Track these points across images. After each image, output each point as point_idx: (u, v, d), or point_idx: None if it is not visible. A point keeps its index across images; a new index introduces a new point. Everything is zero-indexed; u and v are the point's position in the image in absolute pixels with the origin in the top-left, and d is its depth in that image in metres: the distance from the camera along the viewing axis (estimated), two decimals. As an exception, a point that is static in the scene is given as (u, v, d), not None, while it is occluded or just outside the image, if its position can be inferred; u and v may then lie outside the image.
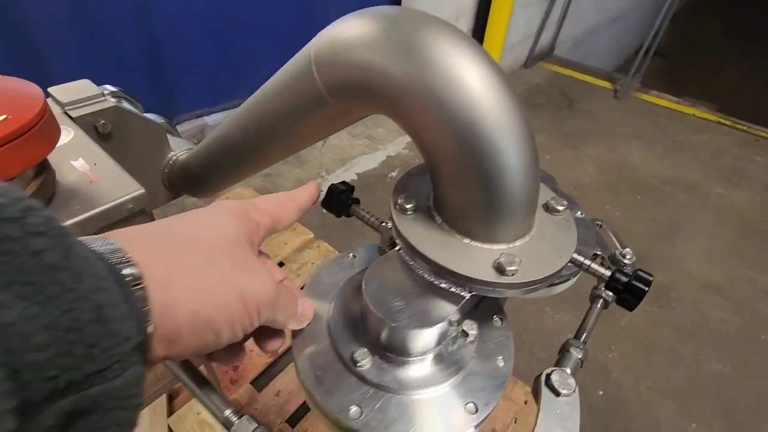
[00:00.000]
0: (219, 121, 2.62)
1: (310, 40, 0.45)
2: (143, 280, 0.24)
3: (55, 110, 0.71)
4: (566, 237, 0.40)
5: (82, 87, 0.74)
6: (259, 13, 2.38)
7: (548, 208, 0.42)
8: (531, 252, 0.37)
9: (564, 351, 0.44)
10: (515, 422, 1.16)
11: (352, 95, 0.40)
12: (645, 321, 1.82)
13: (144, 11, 2.01)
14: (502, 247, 0.38)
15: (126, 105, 1.06)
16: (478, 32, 2.66)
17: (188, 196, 0.93)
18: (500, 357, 0.39)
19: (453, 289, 0.36)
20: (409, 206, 0.40)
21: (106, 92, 1.02)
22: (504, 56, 3.21)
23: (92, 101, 0.72)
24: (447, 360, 0.38)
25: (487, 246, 0.38)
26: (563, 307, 1.85)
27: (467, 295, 0.36)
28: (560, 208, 0.42)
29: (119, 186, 0.58)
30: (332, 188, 0.49)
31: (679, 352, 1.73)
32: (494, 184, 0.35)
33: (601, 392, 1.57)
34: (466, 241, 0.38)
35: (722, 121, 3.24)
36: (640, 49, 3.29)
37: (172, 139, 0.91)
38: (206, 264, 0.28)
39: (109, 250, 0.24)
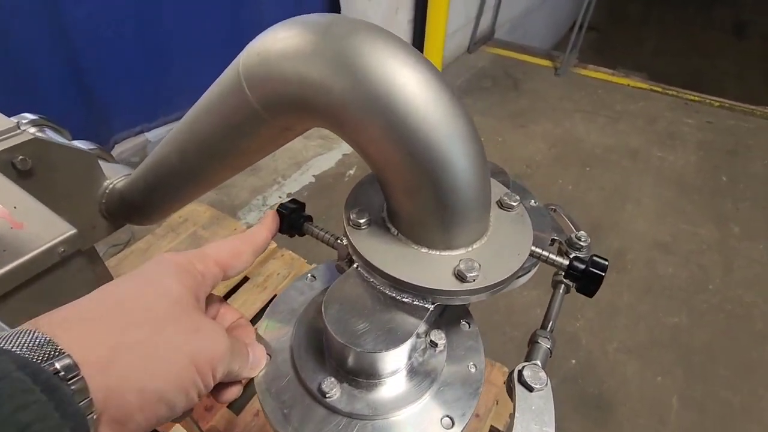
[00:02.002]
0: (161, 136, 2.49)
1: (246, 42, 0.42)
2: (80, 369, 0.22)
3: None
4: (522, 233, 0.40)
5: (5, 120, 0.67)
6: (187, 17, 2.26)
7: (502, 205, 0.42)
8: (490, 254, 0.37)
9: (533, 343, 0.44)
10: (497, 404, 1.18)
11: (288, 111, 0.38)
12: (605, 286, 1.91)
13: (58, 28, 1.86)
14: (461, 252, 0.37)
15: (49, 134, 0.97)
16: (419, 23, 2.67)
17: (132, 224, 0.87)
18: (471, 363, 0.38)
19: (416, 303, 0.35)
20: (362, 221, 0.39)
21: (24, 122, 0.94)
22: (447, 43, 3.24)
23: (5, 135, 0.65)
24: (419, 374, 0.37)
25: (445, 253, 0.37)
26: (529, 283, 1.91)
27: (431, 307, 0.35)
28: (513, 203, 0.42)
29: (47, 228, 0.52)
30: (281, 210, 0.46)
31: (638, 310, 1.83)
32: (446, 190, 0.34)
33: (573, 361, 1.64)
34: (424, 250, 0.37)
35: (654, 88, 3.44)
36: (573, 26, 3.42)
37: (105, 166, 0.84)
38: (151, 334, 0.26)
39: (36, 345, 0.22)
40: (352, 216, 0.39)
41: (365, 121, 0.33)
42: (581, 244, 0.54)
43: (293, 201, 0.48)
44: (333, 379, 0.34)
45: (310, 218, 0.48)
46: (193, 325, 0.29)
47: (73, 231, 0.53)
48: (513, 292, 1.87)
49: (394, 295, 0.36)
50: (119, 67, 2.14)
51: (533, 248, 0.42)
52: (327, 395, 0.34)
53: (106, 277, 0.65)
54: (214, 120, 0.46)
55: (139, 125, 2.43)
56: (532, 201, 0.58)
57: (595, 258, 0.41)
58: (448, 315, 0.42)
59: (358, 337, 0.33)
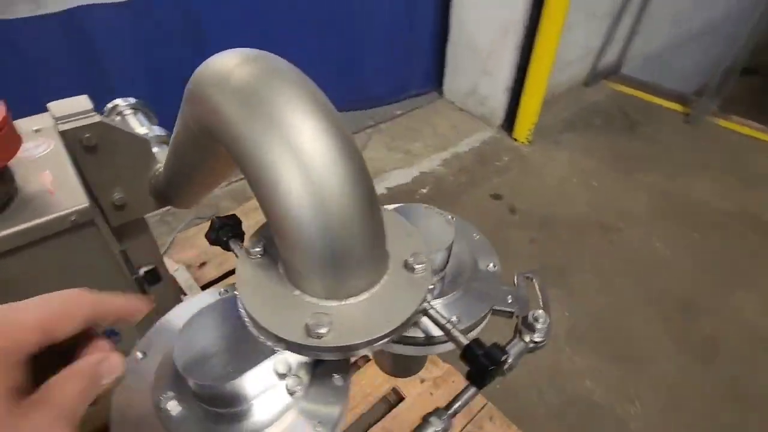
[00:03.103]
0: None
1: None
2: None
3: (48, 123, 0.80)
4: (408, 299, 0.36)
5: (77, 102, 0.82)
6: (284, 14, 2.46)
7: (407, 266, 0.39)
8: (356, 313, 0.35)
9: (424, 421, 0.40)
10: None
11: (208, 134, 0.40)
12: (667, 372, 1.62)
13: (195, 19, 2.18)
14: (331, 304, 0.36)
15: (139, 117, 1.14)
16: (527, 48, 2.56)
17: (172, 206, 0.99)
18: (318, 422, 0.36)
19: (268, 342, 0.35)
20: (256, 249, 0.40)
21: (123, 104, 1.12)
22: (558, 73, 3.04)
23: (81, 116, 0.79)
24: (260, 417, 0.36)
25: (314, 301, 0.36)
26: (583, 348, 1.70)
27: (281, 350, 0.35)
28: (418, 266, 0.39)
29: (69, 198, 0.63)
30: (213, 222, 0.49)
31: (719, 419, 1.51)
32: (315, 247, 0.33)
33: (612, 450, 1.41)
34: (297, 293, 0.36)
35: (819, 154, 2.80)
36: (725, 68, 2.95)
37: (163, 152, 0.97)
38: None
39: None
40: (249, 243, 0.40)
41: (252, 165, 0.34)
42: (537, 325, 0.48)
43: (230, 217, 0.51)
44: (172, 393, 0.35)
45: (240, 235, 0.50)
46: None
47: (85, 204, 0.62)
48: (562, 356, 1.69)
49: (251, 329, 0.36)
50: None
51: (434, 316, 0.39)
52: (164, 411, 0.35)
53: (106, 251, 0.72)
54: (178, 128, 0.50)
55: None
56: (491, 264, 0.52)
57: (493, 349, 0.36)
58: (326, 364, 0.40)
59: (195, 364, 0.34)
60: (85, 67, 1.92)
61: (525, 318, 0.48)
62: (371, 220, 0.36)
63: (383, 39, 2.77)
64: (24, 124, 0.77)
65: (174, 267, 1.46)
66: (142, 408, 0.35)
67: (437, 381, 1.41)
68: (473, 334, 0.44)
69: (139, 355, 0.39)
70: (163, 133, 1.06)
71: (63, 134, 0.76)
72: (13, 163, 0.64)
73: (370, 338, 0.33)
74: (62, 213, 0.60)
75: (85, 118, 0.80)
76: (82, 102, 0.82)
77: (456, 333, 0.38)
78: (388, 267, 0.39)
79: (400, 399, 1.35)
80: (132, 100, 1.16)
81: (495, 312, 0.51)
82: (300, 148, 0.33)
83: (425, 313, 0.39)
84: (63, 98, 0.81)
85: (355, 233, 0.35)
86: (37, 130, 0.75)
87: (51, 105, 0.81)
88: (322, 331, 0.33)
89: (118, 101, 1.14)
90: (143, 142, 0.88)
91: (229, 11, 2.22)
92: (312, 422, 0.36)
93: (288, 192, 0.33)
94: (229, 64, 0.37)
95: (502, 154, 2.76)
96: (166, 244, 1.81)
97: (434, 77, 3.18)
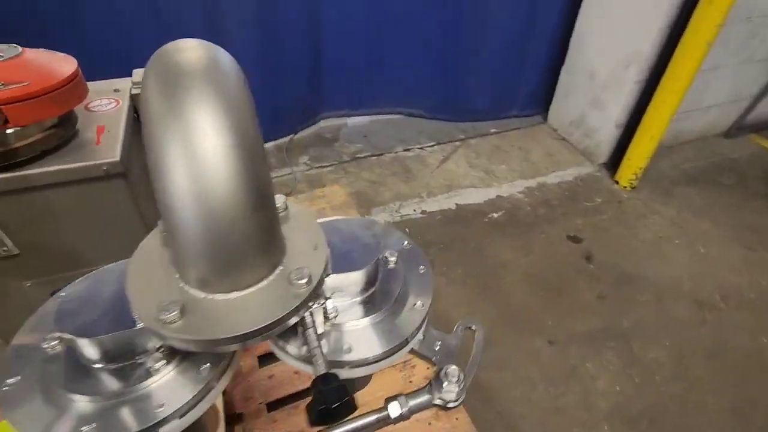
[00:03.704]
0: (359, 125, 2.88)
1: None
2: None
3: (128, 86, 0.93)
4: (273, 310, 0.35)
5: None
6: (404, 19, 2.51)
7: (288, 278, 0.38)
8: (218, 310, 0.35)
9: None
10: None
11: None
12: None
13: (314, 19, 2.35)
14: (199, 295, 0.36)
15: None
16: (650, 84, 2.26)
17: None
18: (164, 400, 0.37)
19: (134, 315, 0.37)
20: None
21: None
22: (690, 118, 2.65)
23: (152, 84, 0.91)
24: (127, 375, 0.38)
25: (185, 289, 0.37)
26: (564, 382, 1.46)
27: (140, 325, 0.36)
28: (298, 281, 0.37)
29: (108, 151, 0.73)
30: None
31: None
32: (190, 237, 0.35)
33: None
34: (176, 276, 0.38)
35: None
36: None
37: None
38: None
39: None
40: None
41: (150, 142, 0.36)
42: (445, 383, 0.43)
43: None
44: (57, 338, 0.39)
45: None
46: None
47: (116, 159, 0.72)
48: (538, 390, 1.47)
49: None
50: (346, 60, 2.57)
51: (304, 334, 0.37)
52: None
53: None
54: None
55: (345, 110, 2.86)
56: (419, 302, 0.48)
57: (340, 390, 0.33)
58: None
59: (66, 316, 0.37)
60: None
61: (439, 371, 0.44)
62: (253, 226, 0.36)
63: (492, 53, 2.69)
64: (108, 84, 0.91)
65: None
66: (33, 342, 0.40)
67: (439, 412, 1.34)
68: (360, 371, 0.41)
69: (63, 293, 0.44)
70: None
71: (132, 97, 0.89)
72: (80, 111, 0.77)
73: (216, 337, 0.33)
74: (97, 162, 0.71)
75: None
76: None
77: (318, 360, 0.36)
78: (270, 274, 0.38)
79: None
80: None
81: (415, 353, 0.46)
82: (194, 143, 0.34)
83: (303, 327, 0.37)
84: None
85: (233, 234, 0.35)
86: (116, 90, 0.88)
87: (136, 71, 0.95)
88: (169, 317, 0.33)
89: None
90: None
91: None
92: (153, 401, 0.37)
93: (173, 182, 0.34)
94: (170, 50, 0.39)
95: (596, 194, 2.49)
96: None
97: (540, 101, 2.99)
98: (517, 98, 2.95)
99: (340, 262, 0.43)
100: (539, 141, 2.89)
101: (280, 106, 2.55)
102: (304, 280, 0.37)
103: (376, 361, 0.44)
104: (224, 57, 0.41)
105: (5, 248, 0.73)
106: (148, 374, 0.38)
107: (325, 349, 0.41)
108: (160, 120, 0.35)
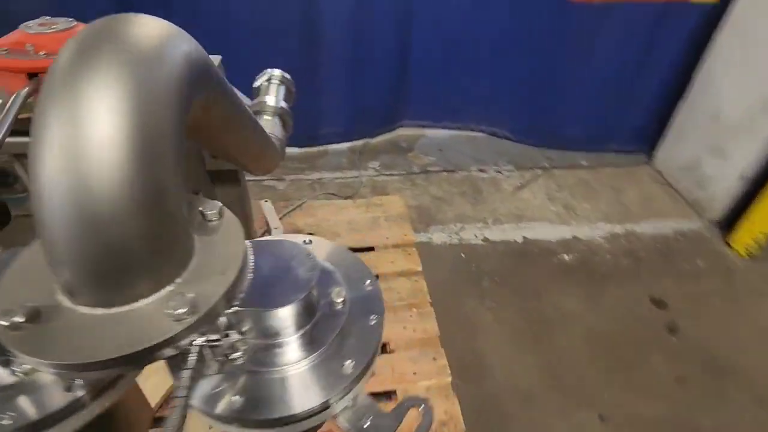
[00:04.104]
0: (437, 137, 2.79)
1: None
2: None
3: None
4: (135, 338, 0.28)
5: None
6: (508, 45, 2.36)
7: (168, 303, 0.31)
8: (75, 326, 0.29)
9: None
10: None
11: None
12: None
13: (406, 25, 2.31)
14: (66, 304, 0.31)
15: (279, 89, 1.27)
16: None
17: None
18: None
19: None
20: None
21: (275, 74, 1.26)
22: None
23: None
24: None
25: (52, 293, 0.31)
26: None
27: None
28: (175, 310, 0.30)
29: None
30: None
31: None
32: (54, 237, 0.29)
33: None
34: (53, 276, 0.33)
35: None
36: None
37: (262, 121, 1.06)
38: None
39: None
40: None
41: (35, 117, 0.31)
42: None
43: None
44: None
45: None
46: None
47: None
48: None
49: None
50: (433, 68, 2.50)
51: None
52: None
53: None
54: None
55: (425, 121, 2.79)
56: (349, 361, 0.37)
57: None
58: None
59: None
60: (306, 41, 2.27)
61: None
62: (134, 231, 0.29)
63: (594, 78, 2.42)
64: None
65: (276, 228, 1.61)
66: None
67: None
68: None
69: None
70: (284, 107, 1.15)
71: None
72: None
73: (49, 361, 0.27)
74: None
75: (205, 72, 0.92)
76: (213, 61, 0.96)
77: (172, 419, 0.28)
78: (152, 294, 0.31)
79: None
80: (287, 75, 1.30)
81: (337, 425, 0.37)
82: (79, 122, 0.29)
83: (178, 367, 0.30)
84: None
85: (106, 237, 0.29)
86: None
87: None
88: (9, 322, 0.28)
89: (276, 71, 1.29)
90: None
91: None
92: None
93: (46, 164, 0.29)
94: (111, 19, 0.35)
95: (699, 256, 2.10)
96: (293, 207, 2.01)
97: (646, 138, 2.62)
98: (618, 131, 2.62)
99: (258, 295, 0.35)
100: (638, 183, 2.53)
101: (361, 108, 2.55)
102: (181, 311, 0.30)
103: (281, 425, 0.35)
104: (169, 41, 0.35)
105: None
106: (12, 374, 0.34)
107: (219, 406, 0.33)
108: (51, 88, 0.30)
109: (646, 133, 2.61)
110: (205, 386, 0.35)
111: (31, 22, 0.68)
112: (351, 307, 0.42)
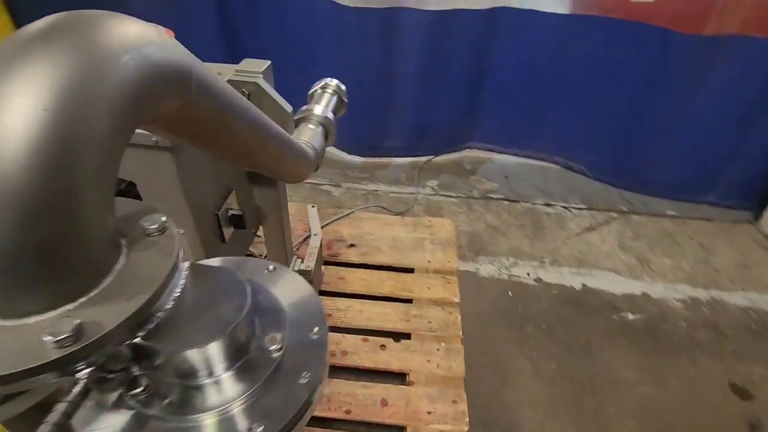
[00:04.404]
0: (504, 163, 2.65)
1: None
2: None
3: (227, 69, 0.96)
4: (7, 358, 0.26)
5: (259, 65, 0.97)
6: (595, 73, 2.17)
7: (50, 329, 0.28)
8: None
9: None
10: None
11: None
12: None
13: (488, 43, 2.23)
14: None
15: (332, 99, 1.27)
16: None
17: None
18: None
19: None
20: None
21: (331, 84, 1.26)
22: None
23: (250, 74, 0.94)
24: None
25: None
26: None
27: None
28: (52, 337, 0.27)
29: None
30: None
31: None
32: None
33: None
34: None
35: None
36: None
37: (304, 129, 1.06)
38: None
39: None
40: None
41: None
42: None
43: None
44: None
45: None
46: None
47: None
48: None
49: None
50: (510, 89, 2.38)
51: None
52: None
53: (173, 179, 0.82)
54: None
55: (495, 144, 2.67)
56: (255, 425, 0.32)
57: None
58: None
59: None
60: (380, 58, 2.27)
61: None
62: (22, 247, 0.27)
63: (695, 119, 2.13)
64: (217, 67, 0.97)
65: (315, 235, 1.61)
66: None
67: None
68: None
69: None
70: (329, 117, 1.14)
71: (228, 82, 0.92)
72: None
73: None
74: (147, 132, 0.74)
75: (251, 76, 0.94)
76: (261, 65, 0.97)
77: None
78: (39, 314, 0.29)
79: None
80: (342, 86, 1.30)
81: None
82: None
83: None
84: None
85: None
86: (219, 73, 0.93)
87: (244, 60, 0.99)
88: None
89: (332, 81, 1.29)
90: (284, 112, 0.97)
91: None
92: None
93: None
94: (78, 12, 0.33)
95: (805, 344, 1.73)
96: (341, 215, 2.01)
97: (755, 193, 2.25)
98: (718, 181, 2.27)
99: (169, 330, 0.32)
100: (735, 244, 2.17)
101: (428, 124, 2.51)
102: (66, 335, 0.27)
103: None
104: (133, 44, 0.33)
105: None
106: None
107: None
108: None
109: (755, 186, 2.23)
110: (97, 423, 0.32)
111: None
112: (287, 357, 0.37)
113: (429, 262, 1.80)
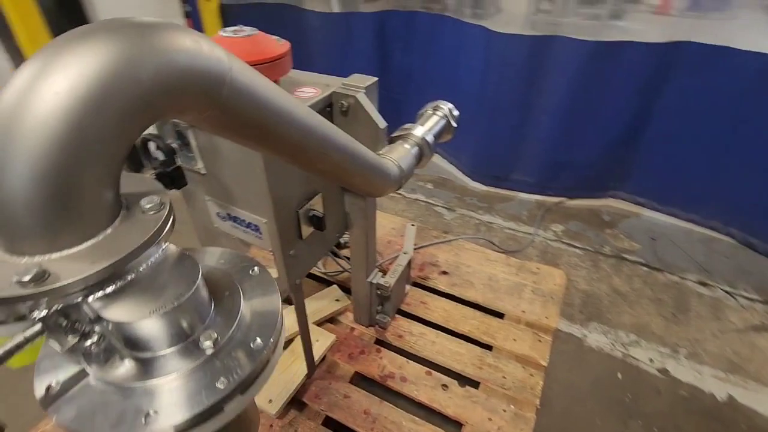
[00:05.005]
0: (653, 222, 2.24)
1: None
2: None
3: (336, 83, 1.03)
4: None
5: (365, 80, 1.02)
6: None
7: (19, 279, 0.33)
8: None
9: None
10: None
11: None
12: None
13: (653, 87, 1.93)
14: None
15: (439, 123, 1.26)
16: None
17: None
18: None
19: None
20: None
21: (444, 107, 1.27)
22: None
23: (353, 89, 0.99)
24: None
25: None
26: None
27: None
28: (23, 277, 0.32)
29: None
30: None
31: None
32: None
33: None
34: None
35: None
36: None
37: (398, 147, 1.06)
38: None
39: None
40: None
41: None
42: None
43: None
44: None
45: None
46: None
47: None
48: None
49: None
50: (676, 139, 2.02)
51: None
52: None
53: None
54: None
55: (647, 199, 2.29)
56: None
57: None
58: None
59: None
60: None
61: None
62: (20, 199, 0.33)
63: None
64: (325, 79, 1.05)
65: (405, 253, 1.60)
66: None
67: None
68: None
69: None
70: (428, 139, 1.14)
71: (332, 94, 0.99)
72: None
73: None
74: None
75: (353, 90, 0.99)
76: (366, 81, 1.02)
77: None
78: (12, 255, 0.34)
79: None
80: (455, 111, 1.28)
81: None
82: (34, 85, 0.34)
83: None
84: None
85: (12, 196, 0.34)
86: (327, 85, 1.01)
87: (353, 75, 1.05)
88: None
89: (445, 105, 1.28)
90: (376, 127, 1.00)
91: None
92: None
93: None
94: (134, 18, 0.40)
95: None
96: (443, 240, 1.96)
97: None
98: None
99: (122, 299, 0.35)
100: None
101: (566, 163, 2.27)
102: (28, 277, 0.32)
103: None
104: (169, 49, 0.38)
105: (198, 167, 0.99)
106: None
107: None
108: (46, 45, 0.36)
109: None
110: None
111: (229, 29, 0.87)
112: (219, 355, 0.37)
113: (523, 312, 1.62)
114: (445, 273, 1.77)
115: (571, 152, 2.21)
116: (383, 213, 2.16)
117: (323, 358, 1.43)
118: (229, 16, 2.59)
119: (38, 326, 0.34)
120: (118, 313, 0.36)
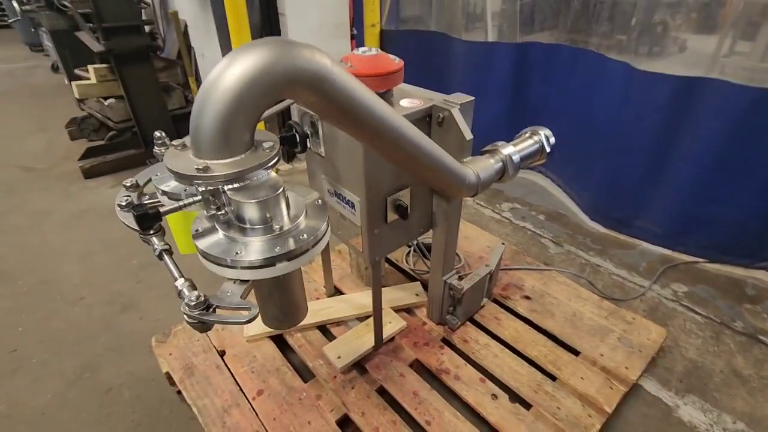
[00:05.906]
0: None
1: None
2: None
3: (439, 98, 1.23)
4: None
5: (461, 98, 1.20)
6: None
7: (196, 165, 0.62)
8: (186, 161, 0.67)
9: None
10: None
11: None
12: None
13: None
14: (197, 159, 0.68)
15: (536, 143, 1.38)
16: None
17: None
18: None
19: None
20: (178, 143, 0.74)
21: (542, 132, 1.39)
22: None
23: (450, 104, 1.18)
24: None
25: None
26: None
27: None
28: (197, 165, 0.61)
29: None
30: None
31: None
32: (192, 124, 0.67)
33: None
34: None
35: None
36: None
37: (482, 159, 1.21)
38: None
39: None
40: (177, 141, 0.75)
41: None
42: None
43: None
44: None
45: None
46: None
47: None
48: None
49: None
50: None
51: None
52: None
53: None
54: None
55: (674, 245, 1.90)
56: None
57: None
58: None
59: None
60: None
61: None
62: (208, 128, 0.63)
63: None
64: (431, 94, 1.25)
65: (486, 266, 1.68)
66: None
67: None
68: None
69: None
70: (514, 158, 1.26)
71: (432, 106, 1.20)
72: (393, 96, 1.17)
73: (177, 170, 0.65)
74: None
75: (450, 105, 1.19)
76: (463, 99, 1.20)
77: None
78: (199, 157, 0.64)
79: None
80: (551, 139, 1.37)
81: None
82: (225, 71, 0.64)
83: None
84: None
85: (197, 120, 0.64)
86: (430, 99, 1.22)
87: (456, 93, 1.24)
88: (177, 144, 0.68)
89: (544, 131, 1.38)
90: (463, 140, 1.17)
91: None
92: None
93: (206, 81, 0.66)
94: (285, 39, 0.68)
95: None
96: (534, 267, 1.95)
97: None
98: None
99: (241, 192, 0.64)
100: None
101: (708, 219, 2.00)
102: (200, 167, 0.61)
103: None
104: (301, 58, 0.65)
105: (321, 151, 1.30)
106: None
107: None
108: (235, 50, 0.66)
109: None
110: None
111: (361, 49, 1.15)
112: (281, 237, 0.63)
113: (602, 355, 1.54)
114: (527, 298, 1.79)
115: (715, 208, 1.97)
116: (483, 231, 2.25)
117: (392, 339, 1.61)
118: (386, 40, 3.01)
119: (199, 197, 0.63)
120: (238, 197, 0.66)
